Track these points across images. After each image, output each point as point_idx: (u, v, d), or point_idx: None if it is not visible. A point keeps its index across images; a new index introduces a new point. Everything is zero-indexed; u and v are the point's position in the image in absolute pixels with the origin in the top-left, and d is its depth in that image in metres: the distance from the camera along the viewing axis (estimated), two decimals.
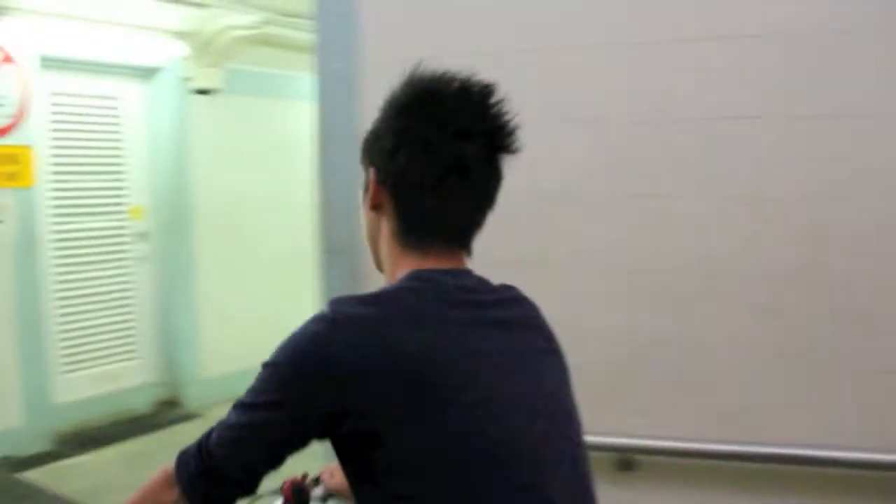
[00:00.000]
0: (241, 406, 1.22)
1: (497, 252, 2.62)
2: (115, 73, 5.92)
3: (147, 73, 6.11)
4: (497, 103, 1.26)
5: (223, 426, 1.23)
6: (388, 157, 1.26)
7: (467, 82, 1.27)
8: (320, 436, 1.17)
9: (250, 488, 1.22)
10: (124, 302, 6.04)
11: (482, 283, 1.30)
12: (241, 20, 5.75)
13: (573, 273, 2.60)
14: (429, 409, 1.11)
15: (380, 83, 2.84)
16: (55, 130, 5.56)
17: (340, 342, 1.14)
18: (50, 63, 5.38)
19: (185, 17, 5.67)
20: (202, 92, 6.22)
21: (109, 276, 5.92)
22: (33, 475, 4.96)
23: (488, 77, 1.31)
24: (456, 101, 1.25)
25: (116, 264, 5.98)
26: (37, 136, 5.29)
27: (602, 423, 2.37)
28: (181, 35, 5.98)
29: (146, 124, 6.15)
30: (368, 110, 2.90)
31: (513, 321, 1.28)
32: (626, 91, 2.52)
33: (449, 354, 1.15)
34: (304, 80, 7.20)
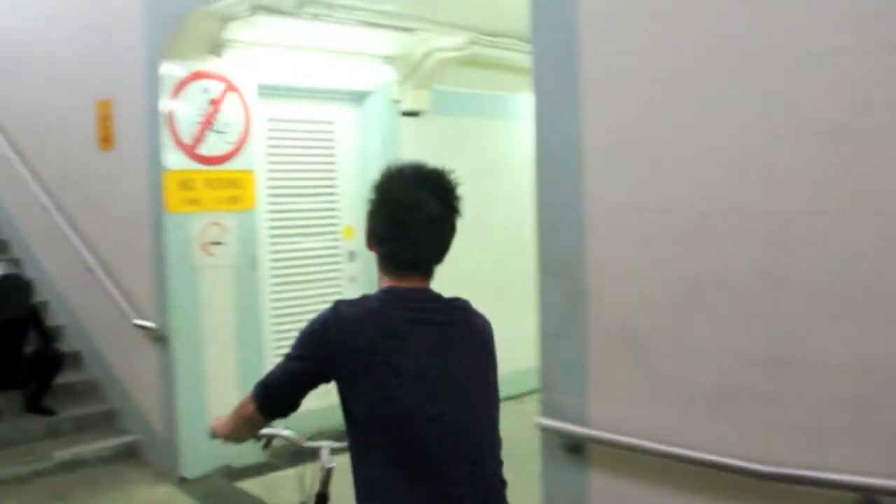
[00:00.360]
0: (284, 357, 2.04)
1: (727, 274, 2.54)
2: (327, 98, 6.25)
3: (358, 97, 6.40)
4: (400, 184, 2.09)
5: (275, 368, 2.06)
6: (370, 219, 2.09)
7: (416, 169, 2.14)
8: (321, 379, 1.98)
9: (290, 405, 2.06)
10: None
11: (434, 297, 2.06)
12: (449, 42, 5.88)
13: (813, 298, 2.40)
14: (375, 372, 1.89)
15: (598, 102, 2.80)
16: (271, 155, 5.95)
17: (333, 327, 1.94)
18: (266, 91, 5.76)
19: (394, 42, 5.88)
20: (410, 114, 6.43)
21: (321, 295, 6.19)
22: (250, 485, 5.27)
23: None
24: (394, 184, 2.09)
25: (328, 283, 6.27)
26: (255, 160, 5.66)
27: (841, 460, 2.19)
28: (390, 59, 6.22)
29: (357, 147, 6.44)
30: (588, 129, 2.90)
31: (447, 323, 2.03)
32: (880, 103, 2.29)
33: (394, 340, 1.91)
34: (510, 100, 7.29)
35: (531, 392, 7.10)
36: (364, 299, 1.99)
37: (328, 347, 1.93)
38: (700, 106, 2.65)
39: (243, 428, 2.24)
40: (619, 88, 2.86)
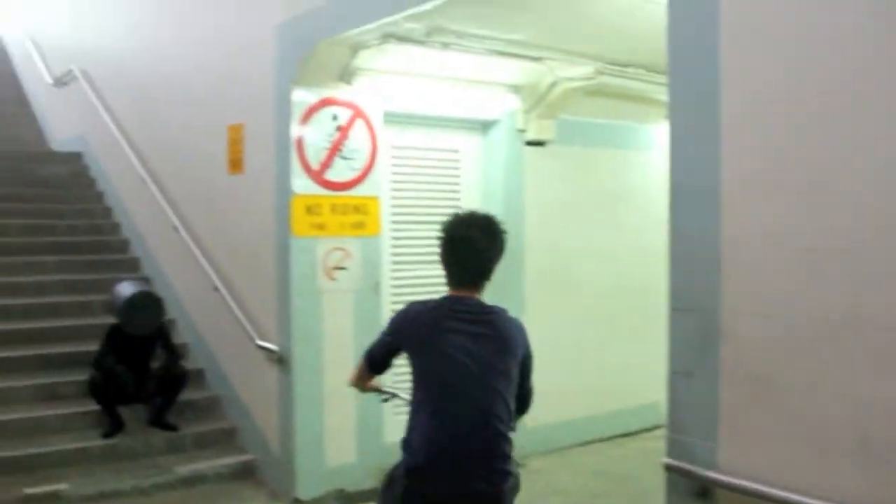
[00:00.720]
0: (380, 333, 3.18)
1: (870, 316, 2.47)
2: (452, 126, 6.38)
3: (482, 126, 6.50)
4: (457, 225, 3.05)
5: (375, 340, 3.20)
6: (440, 248, 3.07)
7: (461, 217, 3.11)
8: (397, 350, 3.11)
9: (383, 364, 3.20)
10: None
11: (472, 303, 3.01)
12: (576, 72, 5.91)
13: None
14: (423, 349, 2.96)
15: (739, 135, 2.79)
16: (395, 181, 6.09)
17: (404, 318, 3.06)
18: (392, 118, 5.91)
19: (520, 71, 5.95)
20: (535, 143, 6.48)
21: None
22: None
23: None
24: (453, 225, 3.06)
25: None
26: (380, 186, 5.81)
27: None
28: (516, 88, 6.29)
29: (481, 175, 6.53)
30: (726, 162, 2.89)
31: (477, 322, 2.96)
32: None
33: (438, 329, 2.93)
34: (636, 130, 7.25)
35: (650, 429, 7.04)
36: (427, 301, 3.08)
37: (401, 331, 3.09)
38: (847, 141, 2.60)
39: (360, 378, 3.34)
40: (762, 122, 2.82)
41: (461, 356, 2.91)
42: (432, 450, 2.91)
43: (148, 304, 6.05)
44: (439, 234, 3.04)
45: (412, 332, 3.02)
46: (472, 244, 3.00)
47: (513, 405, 2.99)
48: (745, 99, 2.86)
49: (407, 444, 3.00)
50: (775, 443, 2.77)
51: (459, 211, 3.17)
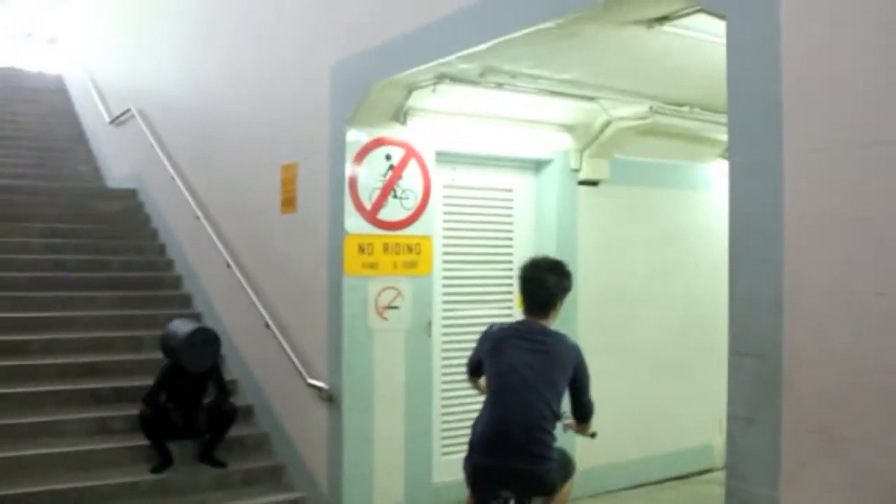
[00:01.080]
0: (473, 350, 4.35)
1: None
2: (504, 165, 6.42)
3: (535, 165, 6.53)
4: (531, 267, 4.19)
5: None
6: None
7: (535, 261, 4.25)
8: (481, 359, 4.22)
9: (476, 372, 4.35)
10: None
11: (535, 327, 4.09)
12: (630, 111, 5.92)
13: None
14: (493, 359, 4.08)
15: (803, 173, 2.76)
16: (448, 221, 6.13)
17: (486, 335, 4.23)
18: (444, 158, 5.98)
19: (574, 110, 5.97)
20: (588, 183, 6.50)
21: None
22: None
23: None
24: (528, 266, 4.20)
25: None
26: (433, 226, 5.86)
27: None
28: (569, 128, 6.31)
29: (534, 214, 6.55)
30: (790, 202, 2.85)
31: (536, 341, 4.02)
32: None
33: (504, 344, 4.06)
34: (691, 169, 7.21)
35: (702, 472, 6.92)
36: (503, 323, 4.29)
37: (481, 345, 4.21)
38: None
39: (471, 382, 4.50)
40: (828, 160, 2.79)
41: (518, 365, 3.98)
42: (485, 433, 4.01)
43: (207, 341, 6.11)
44: (520, 273, 4.19)
45: (488, 346, 4.16)
46: (541, 283, 4.13)
47: (556, 408, 4.01)
48: (809, 137, 2.84)
49: (474, 426, 4.11)
50: (840, 494, 2.71)
51: (535, 255, 4.36)
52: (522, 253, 6.40)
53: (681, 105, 5.93)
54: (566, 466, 4.19)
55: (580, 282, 6.37)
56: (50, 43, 17.01)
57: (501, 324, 4.24)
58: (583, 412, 4.16)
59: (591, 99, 5.70)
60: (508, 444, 3.91)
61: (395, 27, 5.03)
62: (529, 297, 4.14)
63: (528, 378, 3.93)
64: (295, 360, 6.00)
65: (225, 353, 7.13)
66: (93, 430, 6.21)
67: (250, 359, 6.91)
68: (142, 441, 5.98)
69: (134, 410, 6.08)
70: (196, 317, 7.61)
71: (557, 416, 4.02)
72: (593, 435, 4.29)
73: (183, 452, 6.11)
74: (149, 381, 6.06)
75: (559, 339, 4.06)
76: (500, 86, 5.22)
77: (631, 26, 4.14)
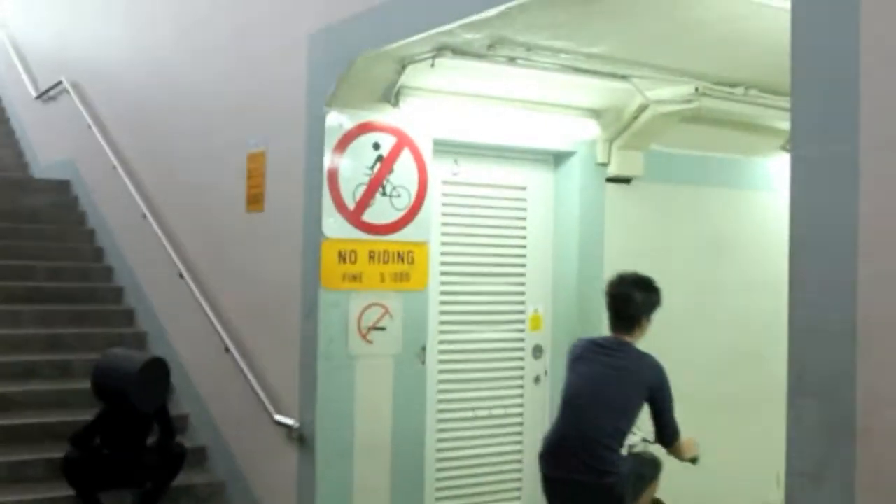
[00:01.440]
0: None
1: None
2: (517, 158, 6.44)
3: (554, 159, 6.56)
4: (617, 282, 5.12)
5: None
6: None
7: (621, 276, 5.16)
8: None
9: None
10: (513, 429, 6.39)
11: (613, 341, 4.99)
12: (671, 93, 5.91)
13: None
14: (568, 372, 5.02)
15: (882, 169, 2.72)
16: (446, 225, 6.13)
17: (577, 348, 5.12)
18: (444, 148, 5.98)
19: (602, 92, 5.97)
20: (619, 180, 6.51)
21: (497, 397, 6.32)
22: None
23: None
24: (613, 283, 5.13)
25: (506, 383, 6.38)
26: (430, 231, 5.86)
27: None
28: (596, 113, 6.31)
29: (552, 217, 6.57)
30: (867, 208, 2.83)
31: (613, 356, 4.89)
32: None
33: (580, 357, 5.00)
34: (745, 165, 7.20)
35: None
36: (589, 337, 5.23)
37: (568, 357, 5.07)
38: None
39: None
40: None
41: (590, 379, 4.83)
42: (550, 444, 4.89)
43: (160, 373, 6.04)
44: (605, 288, 5.09)
45: (569, 359, 5.05)
46: (627, 299, 4.97)
47: (625, 426, 4.77)
48: (892, 126, 2.81)
49: (544, 437, 4.99)
50: None
51: (622, 271, 5.15)
52: (537, 264, 6.46)
53: (733, 85, 5.92)
54: (641, 475, 4.98)
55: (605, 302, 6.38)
56: None
57: (585, 338, 5.22)
58: (663, 435, 4.90)
59: (623, 77, 5.69)
60: (570, 457, 4.74)
61: None
62: (615, 313, 4.98)
63: (598, 393, 4.75)
64: (259, 392, 6.01)
65: (174, 383, 7.13)
66: (6, 478, 6.14)
67: (205, 390, 6.92)
68: (67, 491, 5.90)
69: (58, 453, 5.99)
70: (140, 338, 7.60)
71: (624, 434, 4.78)
72: (693, 460, 5.07)
73: None
74: (79, 416, 6.02)
75: (638, 356, 4.88)
76: (512, 61, 5.21)
77: None
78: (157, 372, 6.03)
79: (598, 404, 4.73)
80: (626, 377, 4.80)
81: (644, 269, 6.55)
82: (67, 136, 9.87)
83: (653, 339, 6.57)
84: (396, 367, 5.70)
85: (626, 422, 4.78)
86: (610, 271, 6.36)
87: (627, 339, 4.94)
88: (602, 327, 6.31)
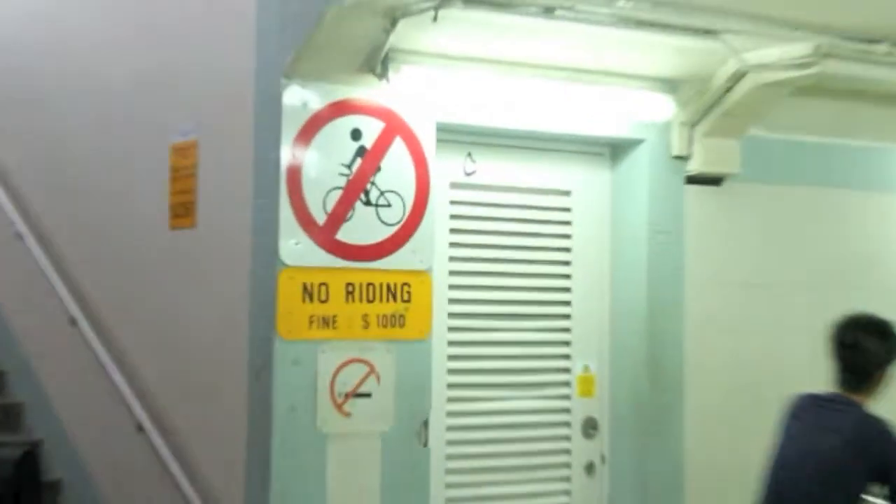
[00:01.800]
0: None
1: None
2: (556, 150, 6.51)
3: (610, 151, 6.66)
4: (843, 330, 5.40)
5: None
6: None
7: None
8: None
9: None
10: None
11: (829, 397, 5.35)
12: (779, 54, 5.89)
13: None
14: (778, 431, 5.53)
15: None
16: (457, 246, 6.17)
17: (794, 402, 5.57)
18: (451, 135, 6.00)
19: (677, 56, 5.95)
20: (704, 179, 6.56)
21: (532, 495, 6.36)
22: None
23: None
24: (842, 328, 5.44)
25: (545, 474, 6.44)
26: (433, 254, 5.83)
27: None
28: (669, 84, 6.36)
29: (607, 237, 6.64)
30: None
31: (827, 413, 5.30)
32: None
33: (790, 415, 5.51)
34: (888, 155, 7.21)
35: None
36: (810, 391, 5.42)
37: (784, 414, 5.50)
38: None
39: None
40: None
41: (793, 442, 5.34)
42: None
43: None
44: (832, 333, 5.34)
45: (783, 415, 5.48)
46: (855, 347, 5.29)
47: (837, 498, 5.12)
48: None
49: None
50: None
51: (854, 314, 5.40)
52: (587, 302, 6.52)
53: (872, 41, 5.92)
54: None
55: (687, 355, 6.43)
56: None
57: (809, 392, 5.50)
58: None
59: (709, 33, 5.65)
60: None
61: None
62: (841, 364, 5.34)
63: (800, 459, 5.27)
64: (187, 488, 6.04)
65: (60, 476, 7.18)
66: None
67: (108, 489, 6.96)
68: None
69: None
70: (5, 410, 7.65)
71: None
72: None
73: None
74: None
75: (862, 419, 5.19)
76: (548, 11, 5.20)
77: None
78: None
79: (809, 477, 5.15)
80: (845, 442, 5.11)
81: (742, 310, 6.61)
82: None
83: (759, 418, 6.58)
84: (387, 451, 5.66)
85: (846, 498, 5.13)
86: (693, 312, 6.40)
87: (855, 397, 5.24)
88: (682, 390, 6.32)
